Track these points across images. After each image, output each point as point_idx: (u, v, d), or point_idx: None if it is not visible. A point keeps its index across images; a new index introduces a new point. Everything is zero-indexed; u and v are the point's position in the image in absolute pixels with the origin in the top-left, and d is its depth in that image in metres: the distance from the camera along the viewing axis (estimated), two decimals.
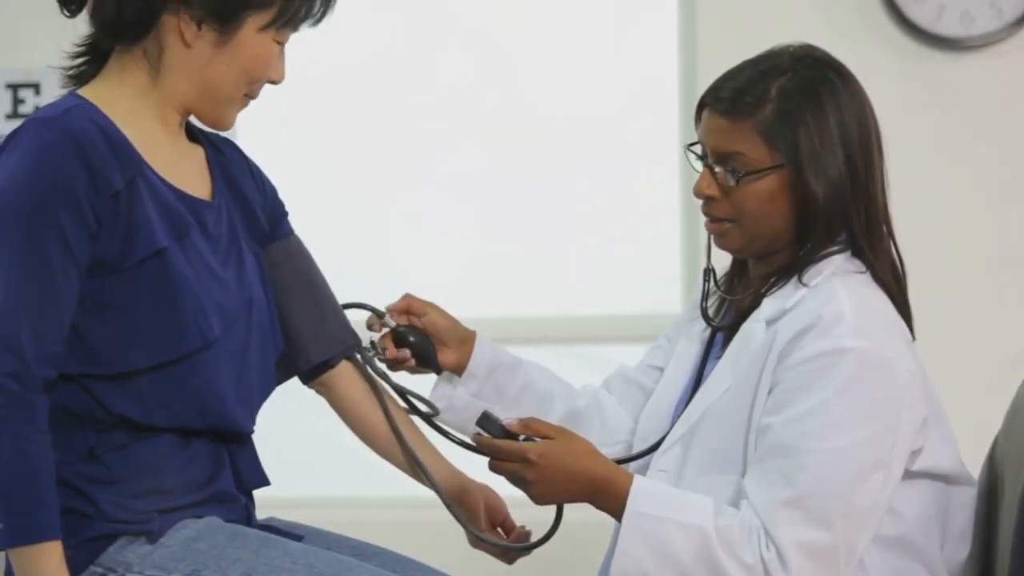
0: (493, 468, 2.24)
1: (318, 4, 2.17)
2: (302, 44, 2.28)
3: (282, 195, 2.35)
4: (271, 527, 2.22)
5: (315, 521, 2.34)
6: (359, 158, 4.61)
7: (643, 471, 2.37)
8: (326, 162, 4.62)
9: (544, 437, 2.22)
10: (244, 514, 2.17)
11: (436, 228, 4.58)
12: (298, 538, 2.21)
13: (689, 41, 4.33)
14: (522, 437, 2.22)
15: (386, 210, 4.61)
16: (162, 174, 2.11)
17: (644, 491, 2.20)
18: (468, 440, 2.38)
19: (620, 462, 2.37)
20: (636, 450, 2.43)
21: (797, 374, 2.21)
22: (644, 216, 4.43)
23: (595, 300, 4.48)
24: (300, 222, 2.37)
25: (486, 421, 2.23)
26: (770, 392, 2.24)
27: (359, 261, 4.46)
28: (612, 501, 2.21)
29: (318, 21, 2.19)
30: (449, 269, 4.52)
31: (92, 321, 2.04)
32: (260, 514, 2.24)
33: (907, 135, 3.87)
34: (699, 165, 2.34)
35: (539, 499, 2.23)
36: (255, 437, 2.23)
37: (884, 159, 2.34)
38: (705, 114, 2.32)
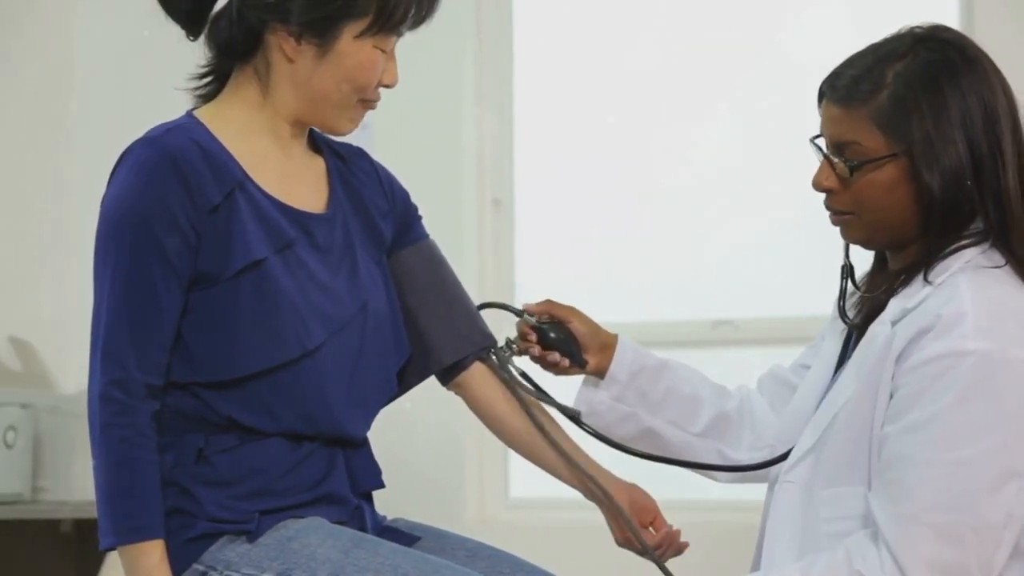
0: None
1: (415, 8, 2.19)
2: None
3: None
4: (391, 528, 2.26)
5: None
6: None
7: (772, 482, 2.30)
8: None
9: None
10: (356, 515, 2.21)
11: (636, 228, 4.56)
12: (415, 539, 2.25)
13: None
14: None
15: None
16: (266, 188, 2.19)
17: None
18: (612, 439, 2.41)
19: (740, 469, 2.31)
20: (778, 454, 2.35)
21: (915, 379, 2.10)
22: None
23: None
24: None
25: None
26: (891, 398, 2.13)
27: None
28: None
29: (417, 24, 2.21)
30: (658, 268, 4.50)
31: (196, 331, 2.13)
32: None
33: None
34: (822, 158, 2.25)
35: None
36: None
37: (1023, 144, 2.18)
38: (823, 103, 2.23)
